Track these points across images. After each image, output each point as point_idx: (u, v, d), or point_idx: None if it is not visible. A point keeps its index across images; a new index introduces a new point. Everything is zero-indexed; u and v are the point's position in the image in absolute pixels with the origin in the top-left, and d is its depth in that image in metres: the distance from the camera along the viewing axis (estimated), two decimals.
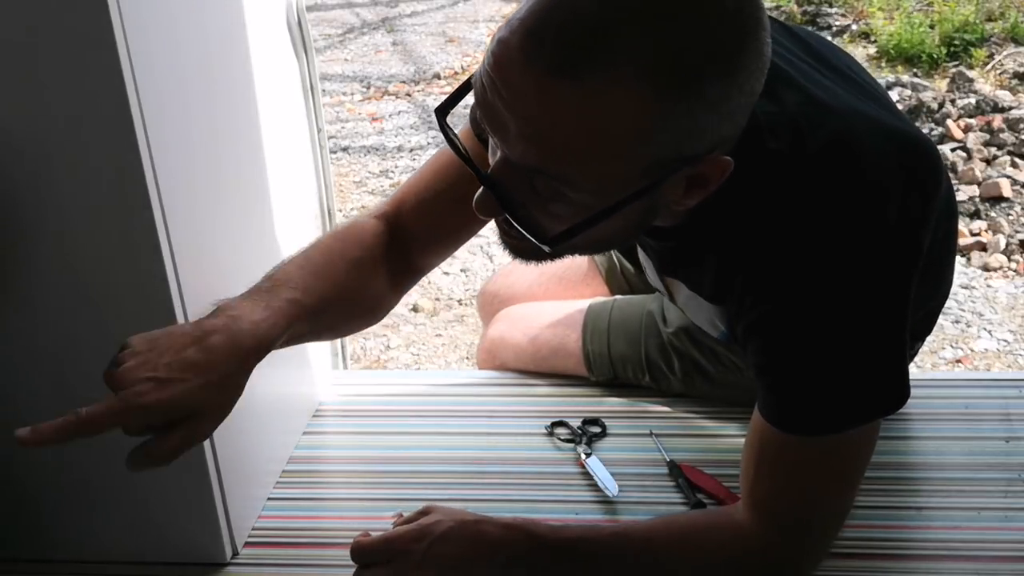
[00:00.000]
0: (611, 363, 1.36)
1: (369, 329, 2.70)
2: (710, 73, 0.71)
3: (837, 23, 4.93)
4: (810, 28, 4.98)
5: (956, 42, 4.32)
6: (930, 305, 1.10)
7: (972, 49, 4.26)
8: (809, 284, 0.84)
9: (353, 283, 0.99)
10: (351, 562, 1.01)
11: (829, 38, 4.81)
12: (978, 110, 3.57)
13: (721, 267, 0.91)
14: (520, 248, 0.87)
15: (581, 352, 1.37)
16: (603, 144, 0.72)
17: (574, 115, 0.70)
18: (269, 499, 1.22)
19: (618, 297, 1.43)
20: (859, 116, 0.87)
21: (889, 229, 0.84)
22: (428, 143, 3.81)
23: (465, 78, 0.81)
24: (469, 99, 0.81)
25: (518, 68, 0.71)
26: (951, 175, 3.25)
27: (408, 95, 4.41)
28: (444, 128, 0.83)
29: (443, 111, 0.82)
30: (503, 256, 0.91)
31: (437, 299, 2.81)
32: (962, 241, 2.95)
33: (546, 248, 0.79)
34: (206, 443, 1.04)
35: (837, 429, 0.89)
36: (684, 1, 0.70)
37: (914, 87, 3.87)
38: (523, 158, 0.75)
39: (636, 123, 0.71)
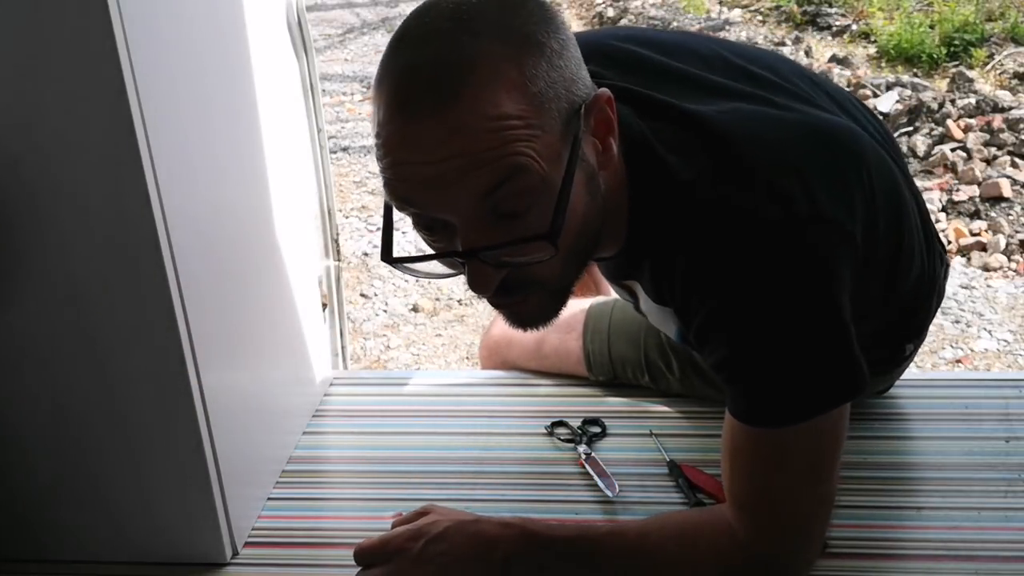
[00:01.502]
0: (611, 363, 1.36)
1: (369, 329, 2.70)
2: (540, 30, 0.80)
3: (837, 23, 4.93)
4: (809, 28, 5.00)
5: (956, 42, 4.33)
6: (900, 291, 1.08)
7: (972, 49, 4.26)
8: (736, 281, 0.87)
9: None
10: (351, 562, 1.02)
11: (829, 38, 4.82)
12: (978, 110, 3.57)
13: (656, 274, 0.96)
14: (529, 309, 0.90)
15: (581, 351, 1.38)
16: (518, 122, 0.77)
17: (483, 119, 0.76)
18: (269, 499, 1.22)
19: (619, 298, 1.43)
20: (750, 117, 0.92)
21: (799, 215, 0.86)
22: None
23: (380, 217, 0.87)
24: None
25: (415, 133, 0.77)
26: (951, 175, 3.25)
27: None
28: (400, 266, 0.86)
29: (388, 255, 0.86)
30: None
31: (437, 299, 2.81)
32: (962, 241, 2.95)
33: (552, 246, 0.80)
34: (206, 443, 1.04)
35: (797, 418, 0.90)
36: (483, 8, 0.79)
37: (914, 87, 3.87)
38: (480, 187, 0.78)
39: (524, 92, 0.78)
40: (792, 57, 4.20)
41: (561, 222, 0.80)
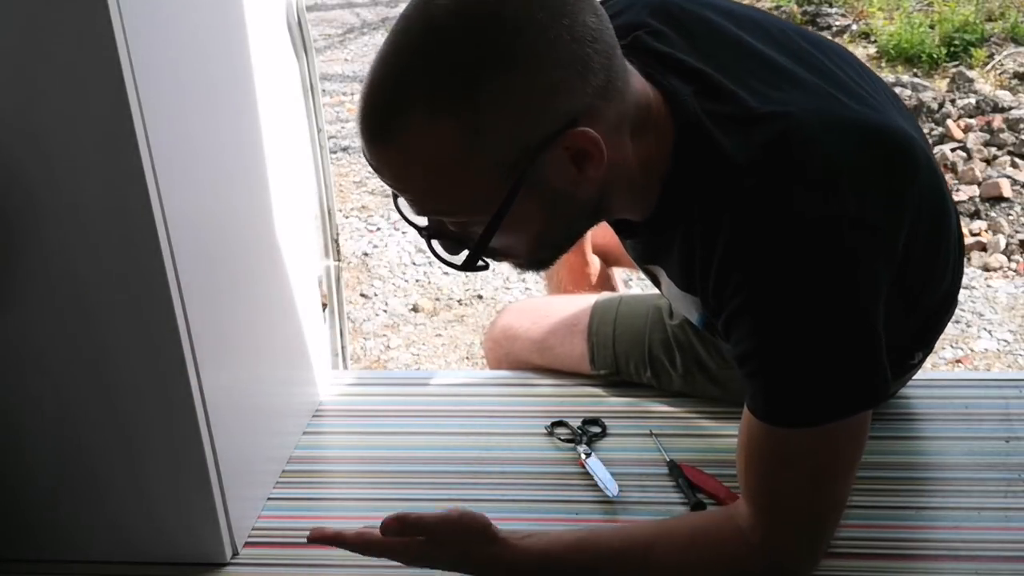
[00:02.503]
0: (614, 356, 1.36)
1: (369, 329, 2.70)
2: (490, 76, 0.78)
3: (837, 23, 4.92)
4: (810, 28, 4.99)
5: (956, 42, 4.32)
6: (924, 304, 1.09)
7: (972, 49, 4.25)
8: (771, 274, 0.86)
9: None
10: (351, 562, 1.01)
11: (829, 38, 4.82)
12: (978, 110, 3.57)
13: (685, 260, 0.95)
14: (516, 265, 0.97)
15: (586, 343, 1.38)
16: (442, 175, 0.81)
17: (408, 165, 0.82)
18: (269, 499, 1.22)
19: (625, 294, 1.44)
20: (814, 111, 0.89)
21: (845, 218, 0.85)
22: None
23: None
24: None
25: (368, 149, 0.83)
26: (951, 175, 3.25)
27: None
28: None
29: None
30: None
31: (437, 299, 2.81)
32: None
33: (461, 272, 0.90)
34: (206, 443, 1.04)
35: (818, 420, 0.90)
36: (444, 38, 0.78)
37: (914, 87, 3.87)
38: (413, 206, 0.86)
39: (455, 145, 0.79)
40: None
41: (478, 256, 0.87)
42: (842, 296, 0.87)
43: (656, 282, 1.11)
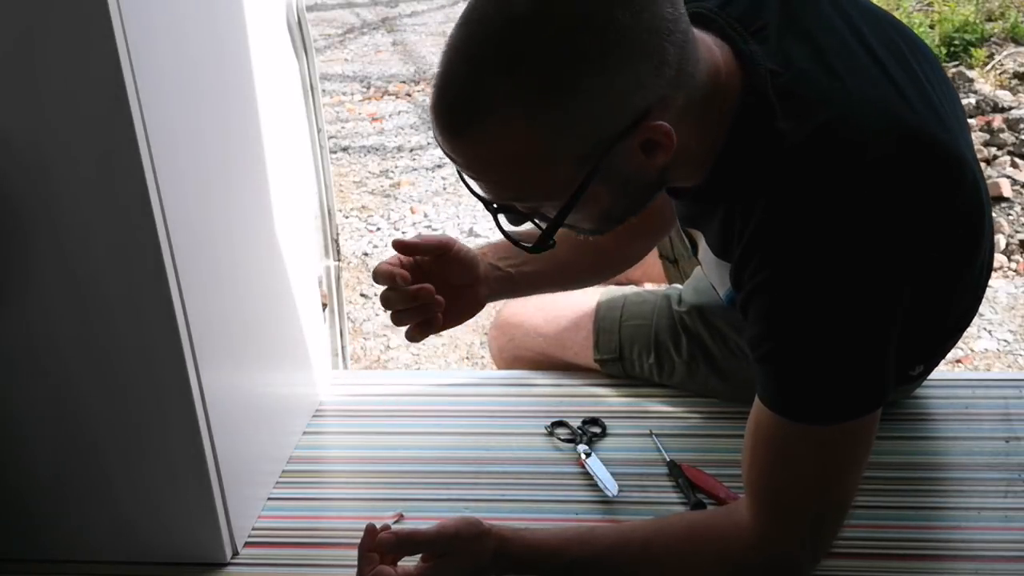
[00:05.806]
0: (619, 341, 1.36)
1: (369, 329, 2.70)
2: (571, 77, 0.79)
3: None
4: None
5: (956, 42, 4.32)
6: (938, 321, 1.07)
7: (972, 49, 4.26)
8: (799, 260, 0.87)
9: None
10: (351, 562, 1.01)
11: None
12: (978, 110, 3.57)
13: (725, 231, 0.95)
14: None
15: (592, 326, 1.38)
16: (518, 168, 0.83)
17: (485, 159, 0.84)
18: (269, 499, 1.22)
19: (634, 287, 1.45)
20: (876, 109, 0.88)
21: (877, 218, 0.85)
22: (428, 143, 3.80)
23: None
24: None
25: (444, 140, 0.85)
26: None
27: (408, 95, 4.40)
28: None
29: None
30: None
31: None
32: None
33: (531, 252, 0.92)
34: (206, 443, 1.04)
35: (829, 420, 0.90)
36: (527, 35, 0.78)
37: None
38: (483, 191, 0.89)
39: (534, 143, 0.81)
40: None
41: (549, 239, 0.88)
42: (864, 297, 0.86)
43: (694, 244, 1.11)
